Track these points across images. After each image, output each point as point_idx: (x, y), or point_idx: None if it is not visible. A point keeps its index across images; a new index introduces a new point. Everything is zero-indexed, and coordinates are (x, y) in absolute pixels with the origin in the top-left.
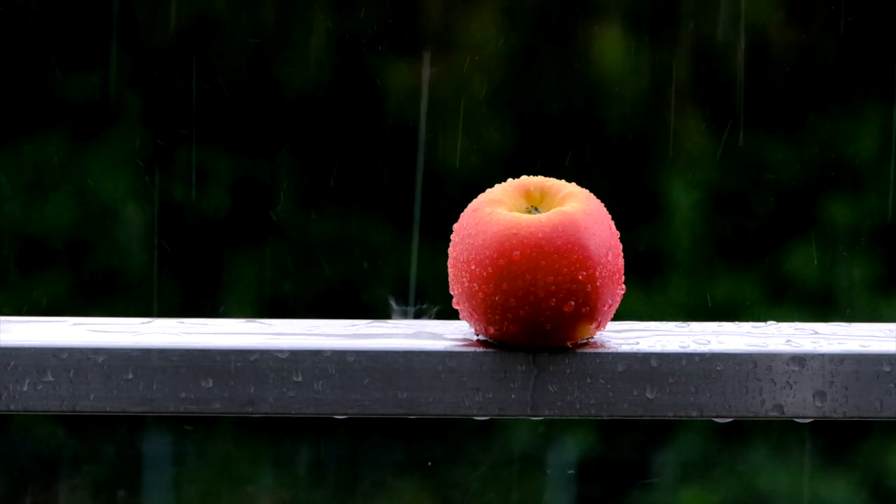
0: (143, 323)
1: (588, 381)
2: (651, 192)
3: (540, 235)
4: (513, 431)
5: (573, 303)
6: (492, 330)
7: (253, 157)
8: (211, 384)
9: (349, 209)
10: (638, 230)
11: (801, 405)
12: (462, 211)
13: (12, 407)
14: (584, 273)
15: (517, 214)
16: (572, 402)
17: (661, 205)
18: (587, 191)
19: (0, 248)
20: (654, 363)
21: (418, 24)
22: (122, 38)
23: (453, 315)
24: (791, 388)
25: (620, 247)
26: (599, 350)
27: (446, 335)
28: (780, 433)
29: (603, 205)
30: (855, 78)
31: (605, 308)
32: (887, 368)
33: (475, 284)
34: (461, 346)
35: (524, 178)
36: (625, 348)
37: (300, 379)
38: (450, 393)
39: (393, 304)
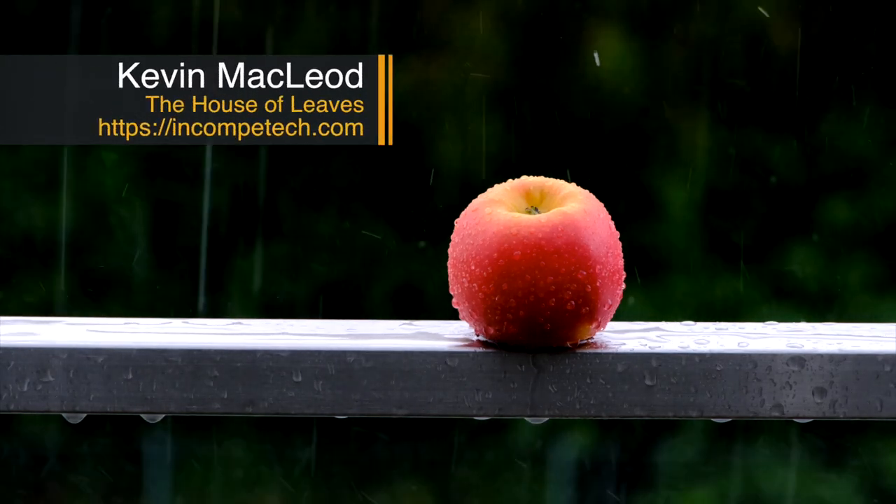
0: (142, 323)
1: (588, 381)
2: (651, 192)
3: (540, 235)
4: (512, 431)
5: (573, 303)
6: (492, 330)
7: (253, 157)
8: (211, 384)
9: (349, 209)
10: (637, 230)
11: (801, 405)
12: (462, 211)
13: (12, 407)
14: (584, 273)
15: (517, 214)
16: (572, 402)
17: (660, 205)
18: (587, 191)
19: None
20: (654, 363)
21: (417, 23)
22: (122, 35)
23: (453, 315)
24: (791, 388)
25: (620, 247)
26: (599, 350)
27: (446, 335)
28: (779, 433)
29: (603, 205)
30: (855, 78)
31: (605, 308)
32: (887, 368)
33: (475, 284)
34: (461, 346)
35: (524, 178)
36: (625, 348)
37: (300, 379)
38: (450, 393)
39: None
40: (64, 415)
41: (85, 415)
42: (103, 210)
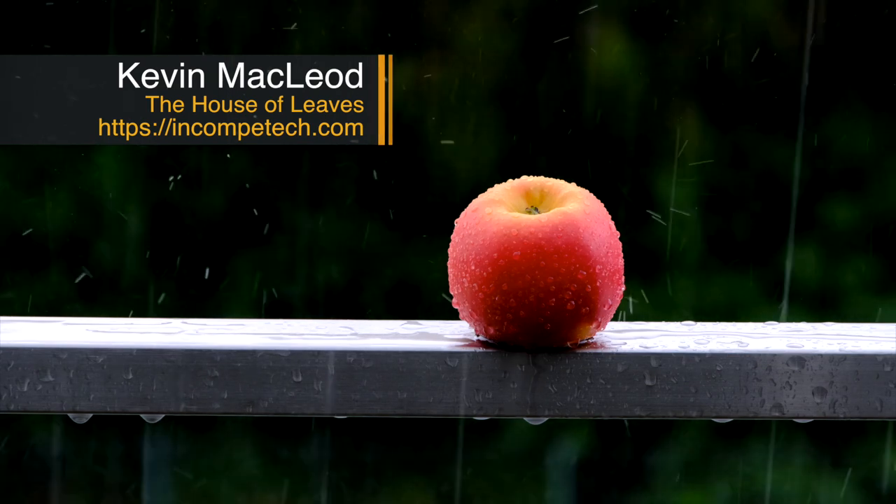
0: (142, 323)
1: (588, 381)
2: (651, 192)
3: (540, 235)
4: (512, 431)
5: (573, 303)
6: (492, 330)
7: (253, 157)
8: (211, 384)
9: (349, 209)
10: (638, 230)
11: (801, 405)
12: (462, 211)
13: (12, 407)
14: (584, 273)
15: (517, 214)
16: (572, 402)
17: (660, 205)
18: (587, 191)
19: None
20: (654, 363)
21: (418, 23)
22: (121, 35)
23: (453, 315)
24: (791, 388)
25: (620, 247)
26: (599, 350)
27: (446, 335)
28: (779, 433)
29: (603, 205)
30: (855, 78)
31: (605, 308)
32: (887, 368)
33: (475, 284)
34: (461, 346)
35: (524, 178)
36: (625, 348)
37: (300, 379)
38: (450, 393)
39: None
40: (70, 415)
41: (90, 415)
42: (103, 210)
